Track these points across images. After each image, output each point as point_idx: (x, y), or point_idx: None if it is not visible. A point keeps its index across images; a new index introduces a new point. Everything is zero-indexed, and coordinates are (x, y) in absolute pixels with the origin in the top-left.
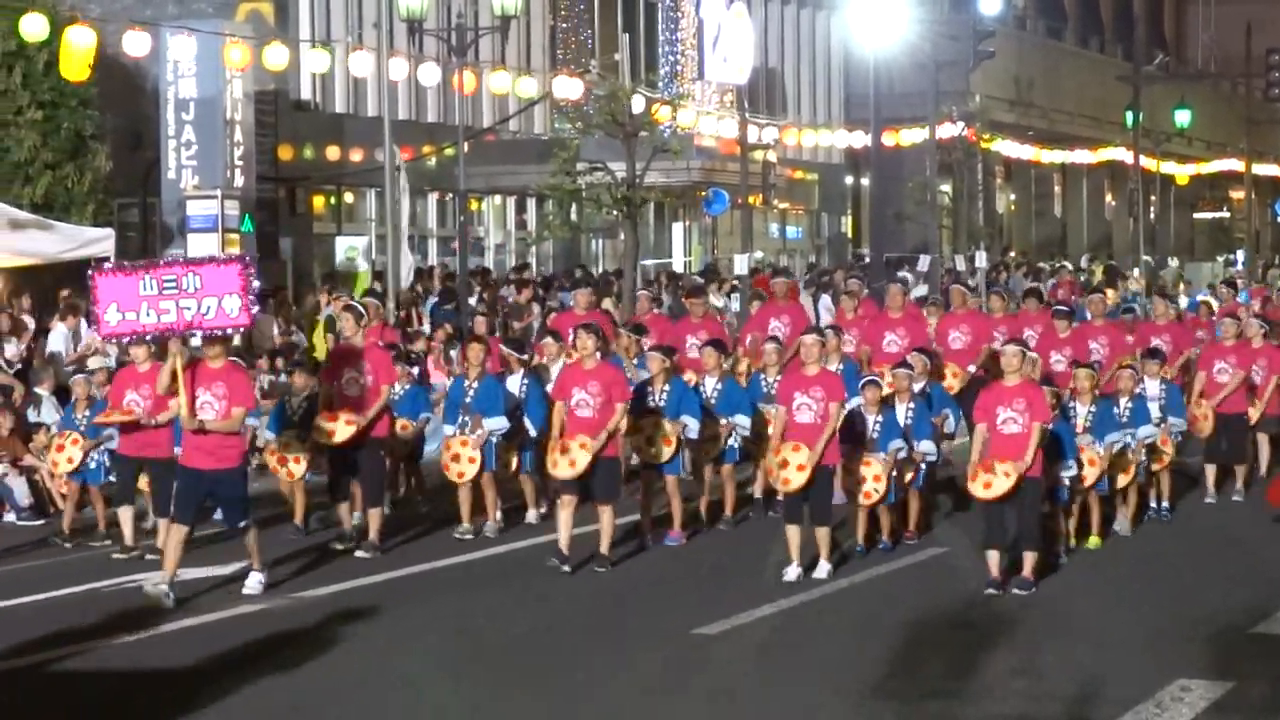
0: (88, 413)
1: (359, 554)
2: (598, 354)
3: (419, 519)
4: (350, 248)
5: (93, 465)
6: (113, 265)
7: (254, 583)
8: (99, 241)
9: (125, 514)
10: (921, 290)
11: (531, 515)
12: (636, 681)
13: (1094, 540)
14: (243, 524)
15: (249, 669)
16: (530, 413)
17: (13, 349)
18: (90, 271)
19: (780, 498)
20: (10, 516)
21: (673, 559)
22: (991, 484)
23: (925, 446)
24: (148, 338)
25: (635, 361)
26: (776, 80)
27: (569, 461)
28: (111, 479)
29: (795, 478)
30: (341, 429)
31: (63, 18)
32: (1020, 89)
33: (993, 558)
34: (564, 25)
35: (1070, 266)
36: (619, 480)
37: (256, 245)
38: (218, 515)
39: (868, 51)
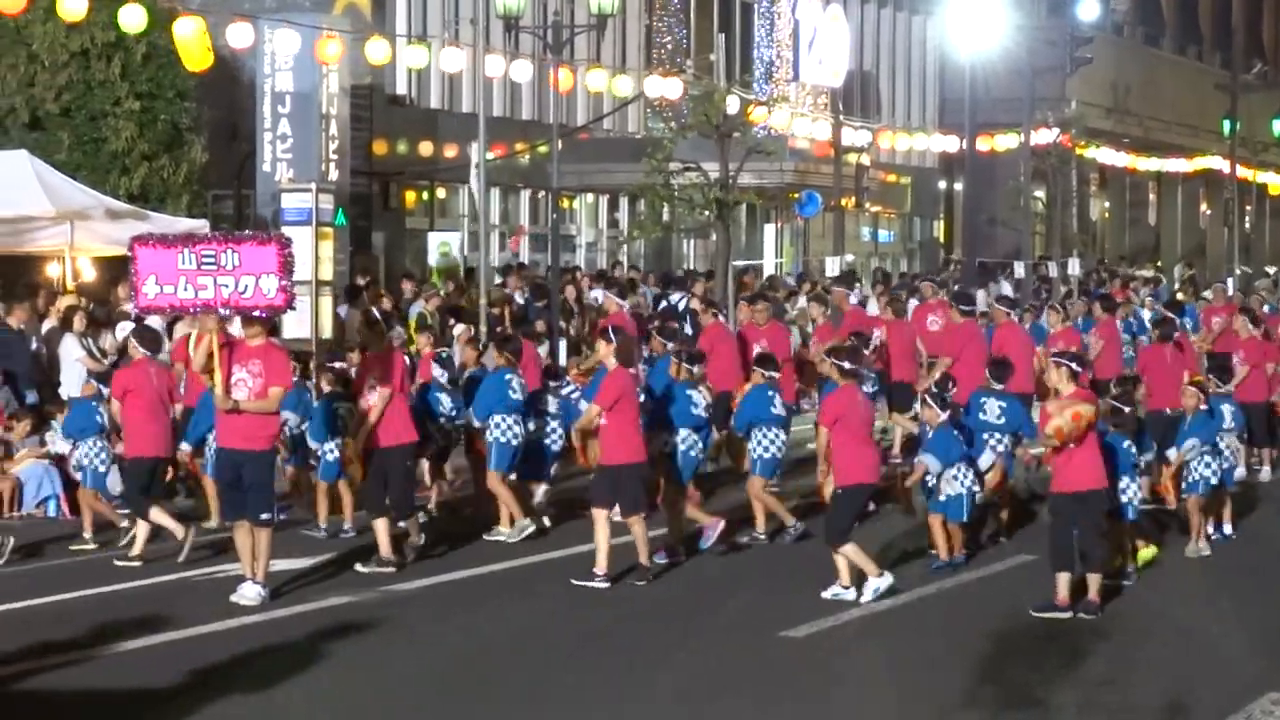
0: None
1: (379, 570)
2: (612, 358)
3: (468, 522)
4: (443, 243)
5: (101, 468)
6: (154, 237)
7: (252, 593)
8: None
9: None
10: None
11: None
12: (720, 683)
13: (1146, 552)
14: (264, 517)
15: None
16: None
17: (109, 339)
18: (131, 240)
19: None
20: None
21: (763, 560)
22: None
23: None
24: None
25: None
26: (871, 83)
27: None
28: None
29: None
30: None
31: (162, 10)
32: (1117, 96)
33: (1062, 580)
34: (660, 25)
35: (1132, 274)
36: (643, 489)
37: (350, 239)
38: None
39: (964, 56)
